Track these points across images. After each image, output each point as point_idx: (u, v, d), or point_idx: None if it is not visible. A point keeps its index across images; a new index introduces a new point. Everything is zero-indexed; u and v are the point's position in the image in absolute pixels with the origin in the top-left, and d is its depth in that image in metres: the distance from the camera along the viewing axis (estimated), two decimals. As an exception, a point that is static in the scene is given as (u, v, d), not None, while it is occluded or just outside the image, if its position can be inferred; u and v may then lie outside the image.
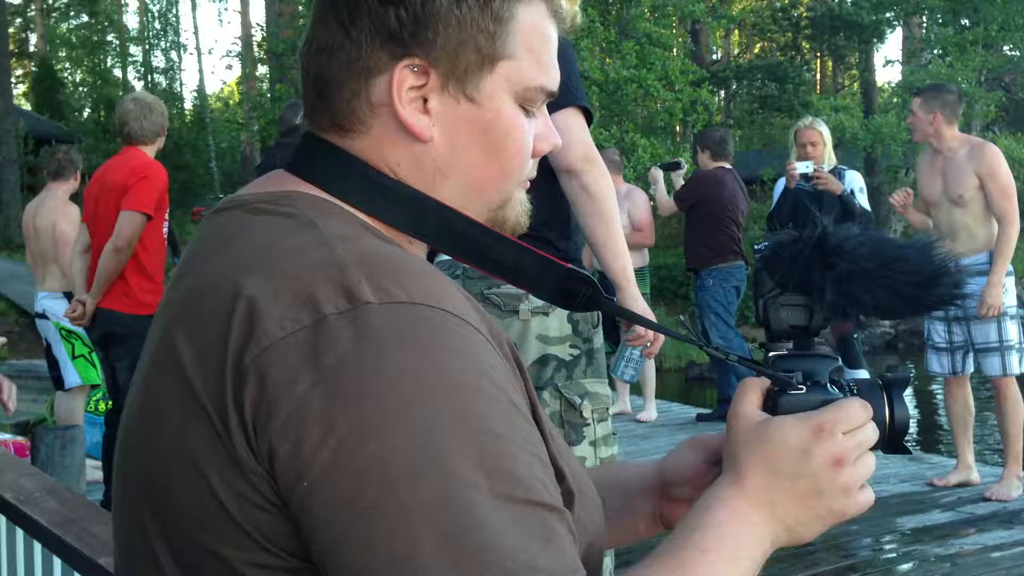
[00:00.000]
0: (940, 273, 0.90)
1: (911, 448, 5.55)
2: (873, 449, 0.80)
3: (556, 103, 2.23)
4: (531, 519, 0.65)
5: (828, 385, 0.84)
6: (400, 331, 0.66)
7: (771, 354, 0.88)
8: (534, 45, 0.81)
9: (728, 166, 6.17)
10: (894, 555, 3.85)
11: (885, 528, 4.09)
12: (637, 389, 6.70)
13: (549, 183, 2.29)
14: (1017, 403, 4.44)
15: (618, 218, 2.33)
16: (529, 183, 0.90)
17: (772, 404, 0.82)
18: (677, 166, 6.76)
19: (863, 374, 5.49)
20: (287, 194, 0.77)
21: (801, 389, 0.82)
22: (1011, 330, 4.41)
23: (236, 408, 0.66)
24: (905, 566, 3.72)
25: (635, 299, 2.34)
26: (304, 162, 0.81)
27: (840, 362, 0.89)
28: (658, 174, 6.53)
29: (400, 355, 0.65)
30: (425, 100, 0.78)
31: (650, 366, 6.48)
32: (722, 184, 6.04)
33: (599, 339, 2.37)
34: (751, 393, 0.83)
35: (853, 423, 0.78)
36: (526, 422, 0.70)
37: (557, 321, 2.27)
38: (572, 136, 2.23)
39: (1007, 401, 4.43)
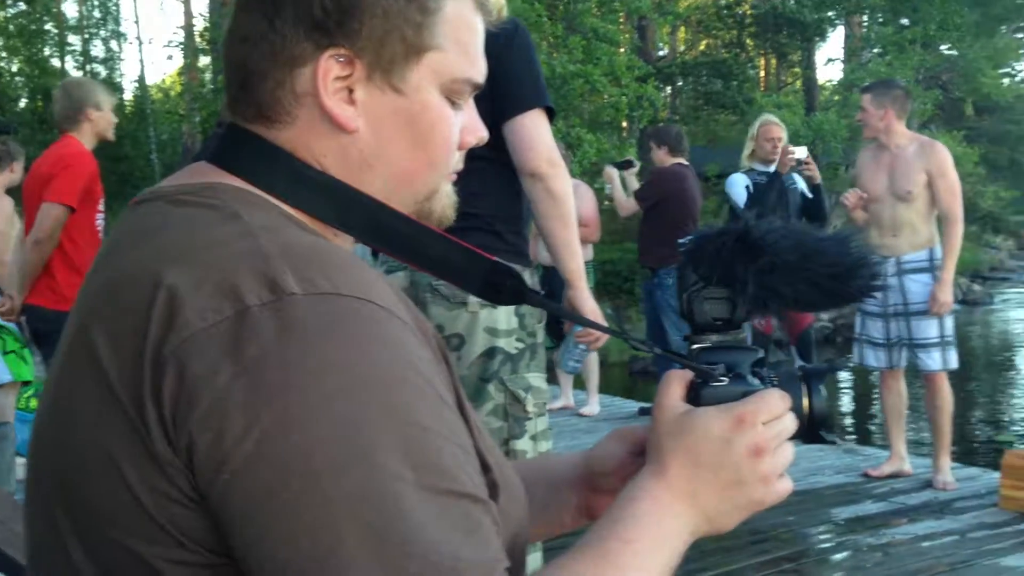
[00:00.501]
0: (858, 265, 0.92)
1: (834, 439, 5.66)
2: (792, 439, 0.82)
3: (523, 103, 2.27)
4: (456, 510, 0.65)
5: (749, 377, 0.85)
6: (325, 322, 0.66)
7: (694, 347, 0.90)
8: (461, 37, 0.81)
9: (686, 162, 6.13)
10: (828, 545, 3.92)
11: (820, 518, 4.17)
12: (580, 383, 6.74)
13: (507, 180, 2.30)
14: (948, 396, 4.55)
15: (575, 219, 2.36)
16: (459, 175, 0.89)
17: (695, 396, 0.83)
18: (630, 164, 6.64)
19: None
20: (210, 186, 0.77)
21: (723, 381, 0.84)
22: (949, 326, 4.51)
23: (154, 401, 0.65)
24: (839, 556, 3.79)
25: (587, 299, 2.38)
26: (227, 153, 0.80)
27: (761, 353, 0.90)
28: (613, 173, 6.38)
29: (325, 347, 0.65)
30: (351, 91, 0.77)
31: (593, 361, 6.50)
32: (684, 181, 6.00)
33: (542, 333, 2.40)
34: (674, 385, 0.84)
35: (773, 413, 0.80)
36: (452, 414, 0.71)
37: (505, 314, 2.28)
38: (538, 139, 2.26)
39: (939, 394, 4.53)
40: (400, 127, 0.80)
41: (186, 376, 0.64)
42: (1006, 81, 27.65)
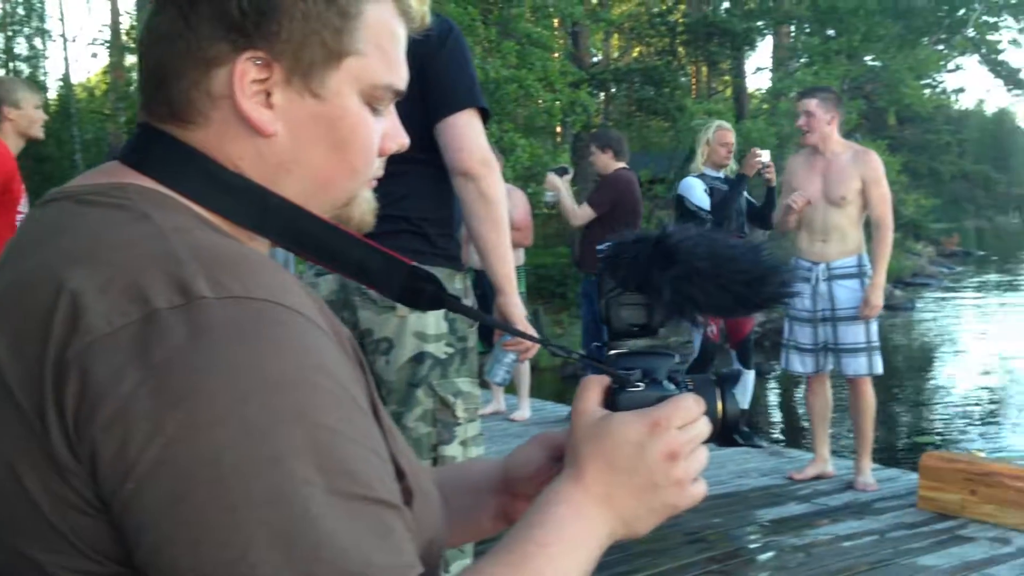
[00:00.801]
0: (769, 272, 0.94)
1: (760, 442, 5.77)
2: (707, 442, 0.83)
3: (456, 103, 2.24)
4: (368, 516, 0.65)
5: (665, 382, 0.86)
6: (236, 326, 0.65)
7: (611, 352, 0.91)
8: (381, 42, 0.80)
9: (627, 166, 6.10)
10: (754, 546, 3.99)
11: (746, 520, 4.24)
12: (511, 388, 6.74)
13: (438, 182, 2.28)
14: (872, 400, 4.64)
15: (507, 223, 2.34)
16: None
17: (612, 401, 0.84)
18: (564, 171, 6.47)
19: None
20: (119, 186, 0.75)
21: (639, 386, 0.84)
22: (875, 331, 4.60)
23: (56, 408, 0.63)
24: (763, 556, 3.85)
25: (516, 305, 2.37)
26: (140, 153, 0.78)
27: (677, 358, 0.91)
28: (558, 181, 6.15)
29: (236, 351, 0.64)
30: (269, 94, 0.76)
31: (525, 365, 6.52)
32: (633, 185, 5.97)
33: (473, 338, 2.38)
34: (592, 390, 0.84)
35: (687, 418, 0.80)
36: (365, 418, 0.70)
37: (434, 319, 2.25)
38: (470, 139, 2.23)
39: (864, 398, 4.62)
40: (319, 132, 0.79)
41: (89, 382, 0.63)
42: (927, 92, 28.46)
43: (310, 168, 0.79)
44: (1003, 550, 3.81)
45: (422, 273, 0.85)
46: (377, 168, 0.86)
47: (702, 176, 5.46)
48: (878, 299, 4.50)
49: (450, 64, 2.23)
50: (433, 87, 2.19)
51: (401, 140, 0.86)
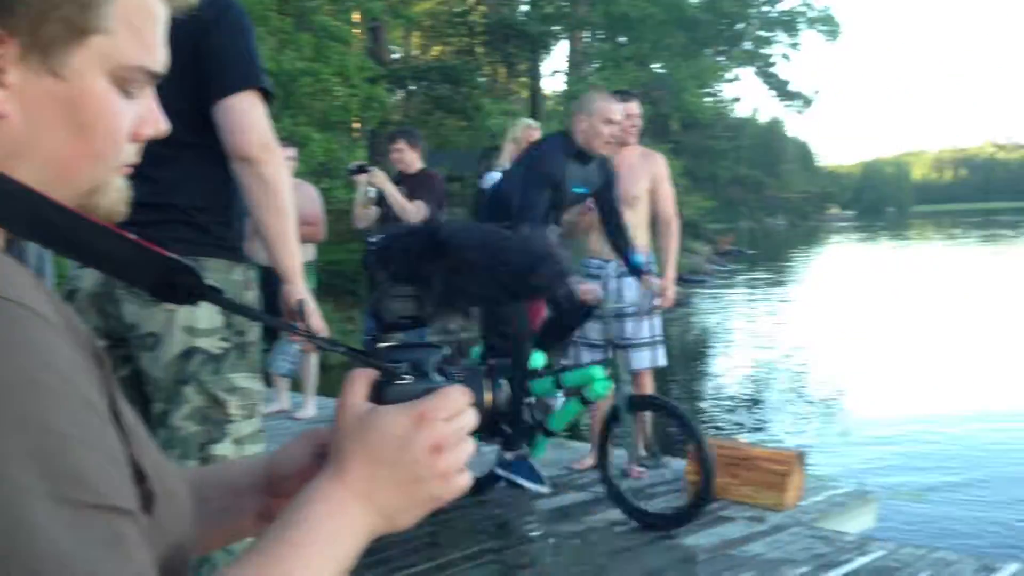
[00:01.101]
0: (540, 262, 0.95)
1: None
2: (474, 434, 0.84)
3: (235, 84, 2.13)
4: (95, 524, 0.62)
5: (433, 374, 0.86)
6: None
7: (379, 345, 0.90)
8: (134, 21, 0.76)
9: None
10: (533, 534, 4.13)
11: (527, 509, 4.39)
12: (297, 385, 6.64)
13: (214, 167, 2.17)
14: (651, 391, 4.90)
15: (292, 211, 2.24)
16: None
17: (379, 394, 0.83)
18: (364, 169, 6.15)
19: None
20: None
21: (407, 379, 0.84)
22: (658, 326, 4.87)
23: None
24: (540, 544, 4.00)
25: (301, 295, 2.28)
26: None
27: (447, 350, 0.91)
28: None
29: None
30: (2, 71, 0.71)
31: (312, 363, 6.44)
32: (443, 183, 6.00)
33: (254, 333, 2.27)
34: (358, 384, 0.83)
35: (453, 409, 0.80)
36: (100, 421, 0.67)
37: (207, 312, 2.13)
38: (250, 122, 2.12)
39: (644, 390, 4.86)
40: (58, 115, 0.74)
41: None
42: (708, 100, 30.14)
43: (48, 153, 0.74)
44: (758, 528, 4.13)
45: (179, 265, 0.81)
46: (130, 154, 0.81)
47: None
48: (672, 291, 4.76)
49: (228, 42, 2.11)
50: (209, 66, 2.07)
51: (158, 125, 0.82)
